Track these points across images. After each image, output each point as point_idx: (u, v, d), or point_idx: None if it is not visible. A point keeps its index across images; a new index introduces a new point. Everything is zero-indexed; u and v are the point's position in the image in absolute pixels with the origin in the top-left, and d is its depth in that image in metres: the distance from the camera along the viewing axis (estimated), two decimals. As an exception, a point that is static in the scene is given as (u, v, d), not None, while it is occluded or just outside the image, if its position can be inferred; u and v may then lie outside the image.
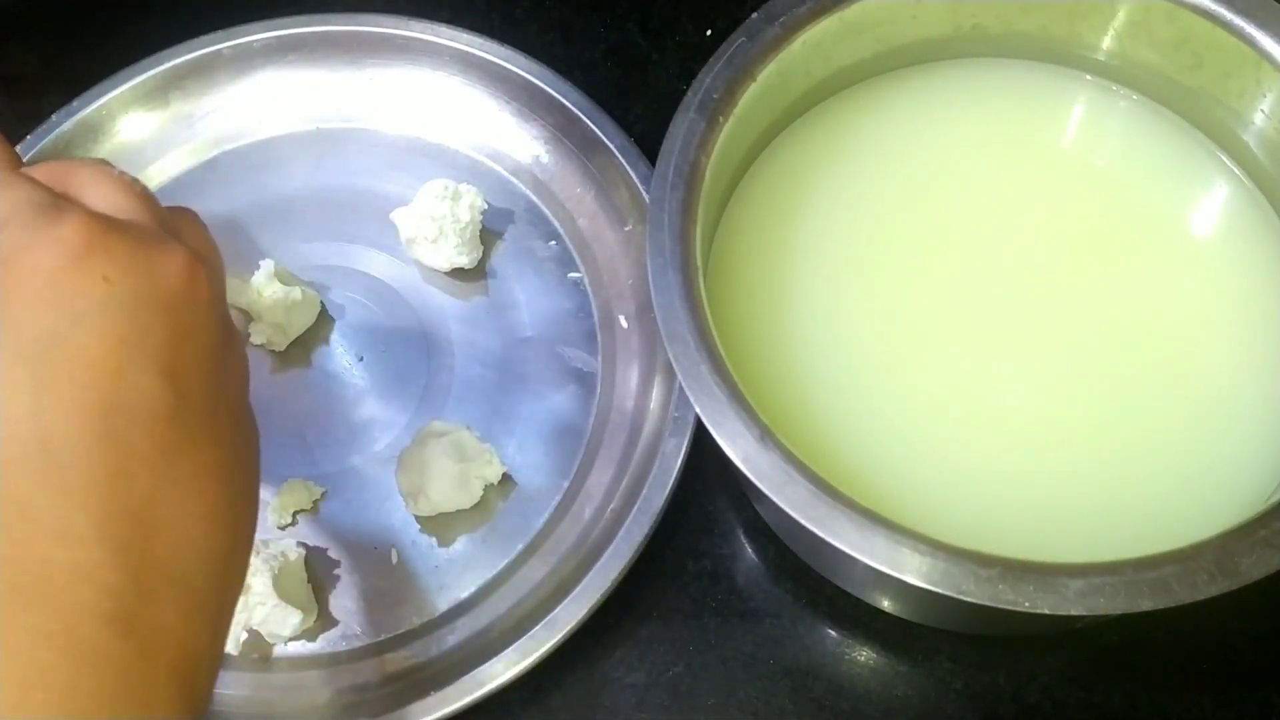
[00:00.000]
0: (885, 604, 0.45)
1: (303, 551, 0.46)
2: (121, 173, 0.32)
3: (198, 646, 0.29)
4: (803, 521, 0.34)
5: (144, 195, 0.32)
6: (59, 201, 0.29)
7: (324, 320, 0.51)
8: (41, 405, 0.28)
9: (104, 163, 0.33)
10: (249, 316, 0.50)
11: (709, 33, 0.58)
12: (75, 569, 0.27)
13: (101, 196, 0.31)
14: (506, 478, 0.48)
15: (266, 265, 0.50)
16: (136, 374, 0.28)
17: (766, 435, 0.35)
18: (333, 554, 0.47)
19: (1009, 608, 0.33)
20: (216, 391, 0.31)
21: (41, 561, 0.27)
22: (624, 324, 0.49)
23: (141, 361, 0.29)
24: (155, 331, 0.29)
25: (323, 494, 0.48)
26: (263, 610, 0.44)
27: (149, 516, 0.28)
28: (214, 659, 0.31)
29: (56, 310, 0.28)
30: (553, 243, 0.52)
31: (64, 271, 0.28)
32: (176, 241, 0.31)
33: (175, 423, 0.29)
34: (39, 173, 0.31)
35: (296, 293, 0.50)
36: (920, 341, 0.42)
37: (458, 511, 0.47)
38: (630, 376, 0.49)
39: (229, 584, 0.31)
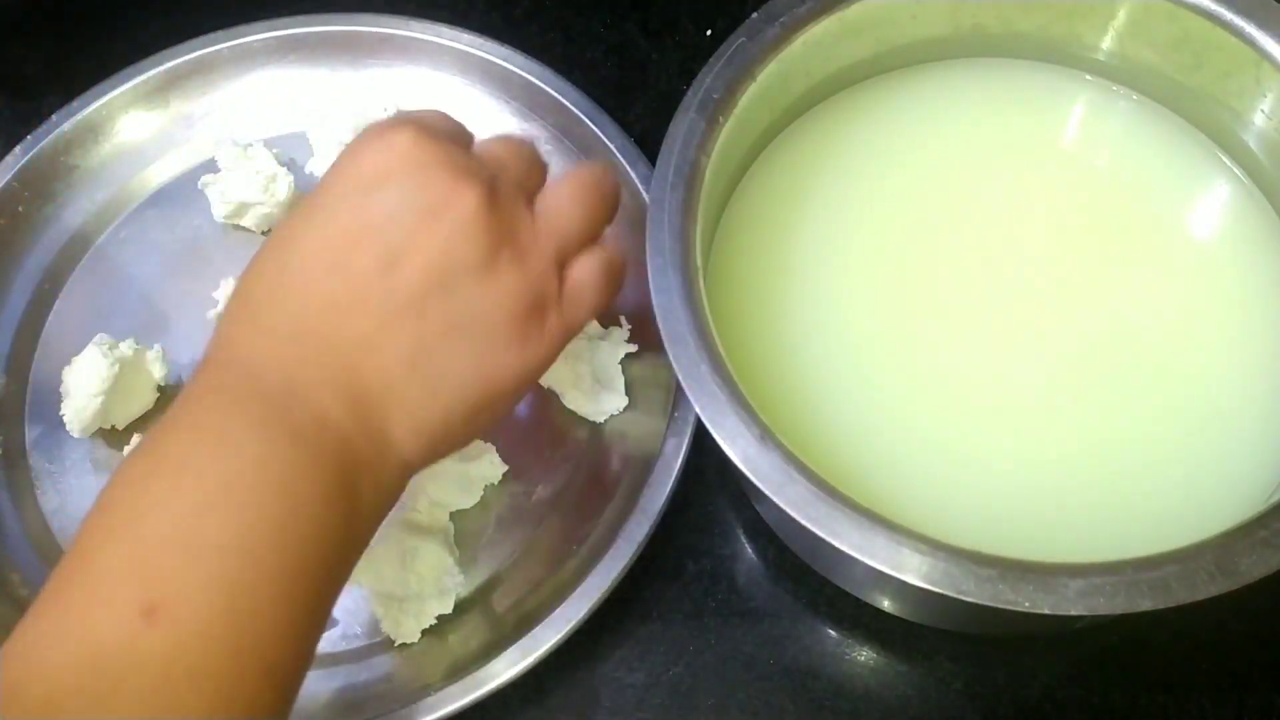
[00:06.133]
0: (885, 604, 0.45)
1: (303, 551, 0.46)
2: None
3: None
4: (803, 521, 0.34)
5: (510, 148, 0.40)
6: (408, 120, 0.37)
7: (324, 320, 0.51)
8: (288, 253, 0.36)
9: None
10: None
11: (709, 33, 0.58)
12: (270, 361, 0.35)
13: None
14: (506, 478, 0.48)
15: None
16: (365, 248, 0.35)
17: (766, 435, 0.35)
18: (333, 554, 0.47)
19: (1009, 608, 0.33)
20: (433, 288, 0.36)
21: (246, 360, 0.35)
22: (624, 324, 0.49)
23: (372, 243, 0.35)
24: (397, 228, 0.35)
25: (323, 494, 0.48)
26: (263, 610, 0.44)
27: (354, 353, 0.35)
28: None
29: (337, 184, 0.36)
30: (553, 243, 0.52)
31: (359, 158, 0.36)
32: (476, 176, 0.36)
33: (378, 300, 0.35)
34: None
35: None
36: (920, 341, 0.42)
37: (458, 511, 0.47)
38: (631, 376, 0.49)
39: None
